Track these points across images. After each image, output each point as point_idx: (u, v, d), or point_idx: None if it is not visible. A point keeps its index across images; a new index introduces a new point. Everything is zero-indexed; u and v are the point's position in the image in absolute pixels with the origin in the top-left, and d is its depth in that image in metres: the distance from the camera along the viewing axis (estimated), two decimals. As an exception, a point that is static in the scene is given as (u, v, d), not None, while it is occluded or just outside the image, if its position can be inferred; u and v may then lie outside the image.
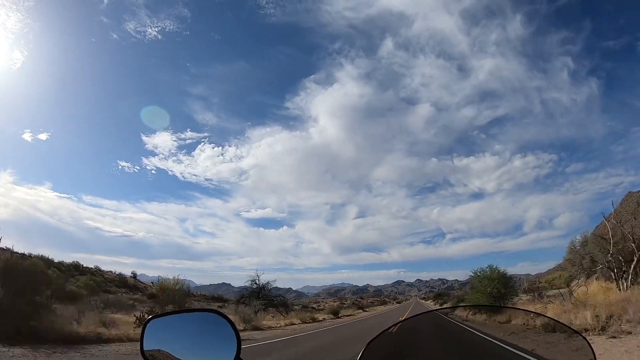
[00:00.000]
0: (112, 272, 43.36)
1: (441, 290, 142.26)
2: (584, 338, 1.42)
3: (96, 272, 40.19)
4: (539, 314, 2.00)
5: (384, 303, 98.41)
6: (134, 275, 46.90)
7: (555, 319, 1.86)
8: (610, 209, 20.40)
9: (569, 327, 1.53)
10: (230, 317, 1.49)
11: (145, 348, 1.43)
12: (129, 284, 40.76)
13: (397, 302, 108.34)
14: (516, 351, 1.88)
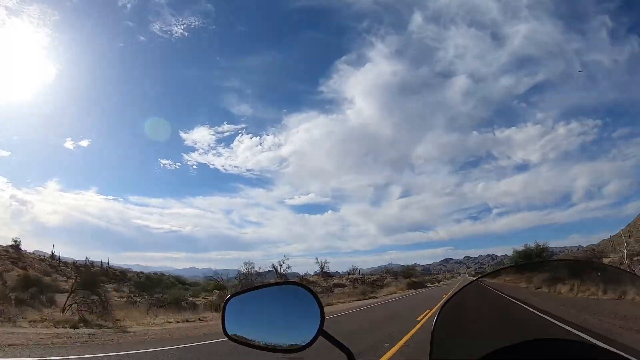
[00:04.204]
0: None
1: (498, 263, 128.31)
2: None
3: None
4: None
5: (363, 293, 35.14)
6: (53, 255, 41.24)
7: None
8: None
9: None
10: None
11: (227, 328, 1.37)
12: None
13: (426, 285, 57.51)
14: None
